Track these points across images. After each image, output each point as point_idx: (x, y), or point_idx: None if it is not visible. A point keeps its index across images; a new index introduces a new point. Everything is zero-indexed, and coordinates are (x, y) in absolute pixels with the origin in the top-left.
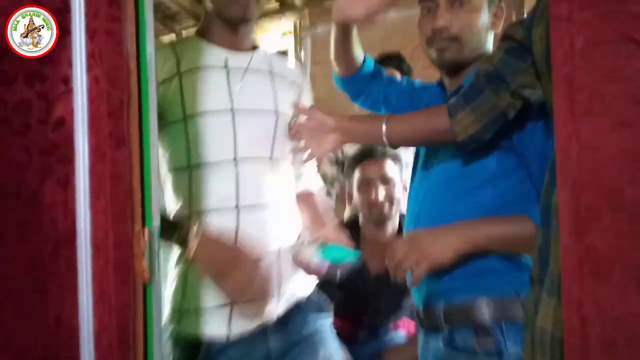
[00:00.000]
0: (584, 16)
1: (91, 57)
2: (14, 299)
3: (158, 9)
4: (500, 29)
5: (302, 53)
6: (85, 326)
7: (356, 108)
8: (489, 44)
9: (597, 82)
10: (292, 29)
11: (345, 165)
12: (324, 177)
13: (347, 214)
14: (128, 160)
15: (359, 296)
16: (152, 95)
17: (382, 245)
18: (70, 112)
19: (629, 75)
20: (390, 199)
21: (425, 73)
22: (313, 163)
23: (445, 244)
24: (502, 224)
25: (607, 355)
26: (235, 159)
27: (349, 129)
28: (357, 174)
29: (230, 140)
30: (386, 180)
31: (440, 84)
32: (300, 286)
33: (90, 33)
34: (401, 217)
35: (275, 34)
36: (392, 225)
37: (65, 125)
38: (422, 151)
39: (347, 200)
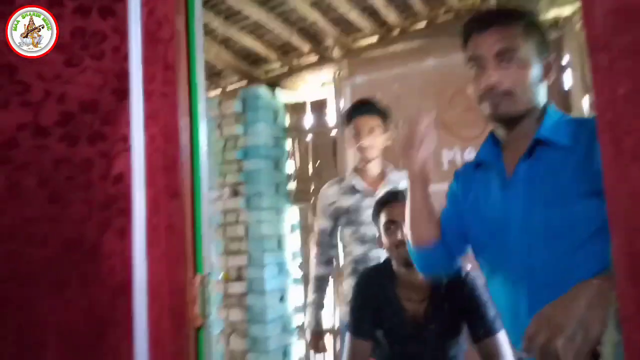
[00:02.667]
0: (624, 65)
1: (148, 117)
2: (73, 344)
3: (205, 67)
4: (552, 79)
5: (342, 101)
6: None
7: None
8: (542, 95)
9: None
10: (330, 79)
11: (342, 215)
12: (322, 231)
13: (346, 262)
14: (181, 211)
15: (398, 339)
16: (203, 150)
17: (415, 287)
18: (128, 168)
19: None
20: None
21: (464, 118)
22: None
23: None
24: None
25: None
26: None
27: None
28: (382, 217)
29: None
30: None
31: (492, 135)
32: None
33: (147, 95)
34: None
35: (314, 85)
36: None
37: (123, 180)
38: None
39: (377, 244)
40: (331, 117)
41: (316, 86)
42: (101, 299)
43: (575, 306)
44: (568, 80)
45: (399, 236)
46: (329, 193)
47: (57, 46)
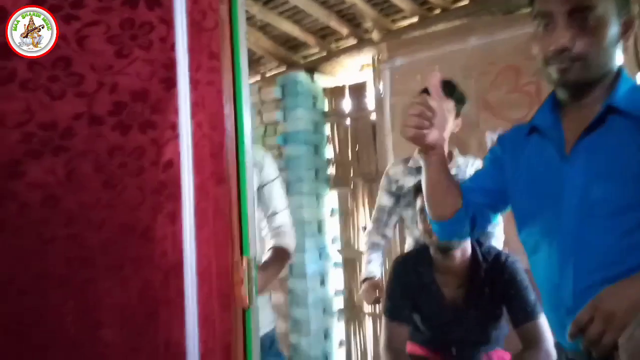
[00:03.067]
0: None
1: (195, 105)
2: (129, 323)
3: None
4: (631, 39)
5: (381, 85)
6: (192, 349)
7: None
8: (617, 58)
9: None
10: (370, 62)
11: (404, 196)
12: (381, 208)
13: (408, 244)
14: (228, 196)
15: (438, 324)
16: (248, 137)
17: (452, 273)
18: (177, 155)
19: None
20: None
21: (509, 98)
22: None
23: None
24: None
25: None
26: None
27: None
28: (418, 202)
29: None
30: None
31: (553, 98)
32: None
33: (194, 84)
34: (475, 241)
35: (353, 69)
36: (462, 252)
37: (173, 166)
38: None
39: (405, 232)
40: (370, 101)
41: (355, 70)
42: (154, 280)
43: (638, 296)
44: None
45: None
46: (394, 172)
47: (108, 38)
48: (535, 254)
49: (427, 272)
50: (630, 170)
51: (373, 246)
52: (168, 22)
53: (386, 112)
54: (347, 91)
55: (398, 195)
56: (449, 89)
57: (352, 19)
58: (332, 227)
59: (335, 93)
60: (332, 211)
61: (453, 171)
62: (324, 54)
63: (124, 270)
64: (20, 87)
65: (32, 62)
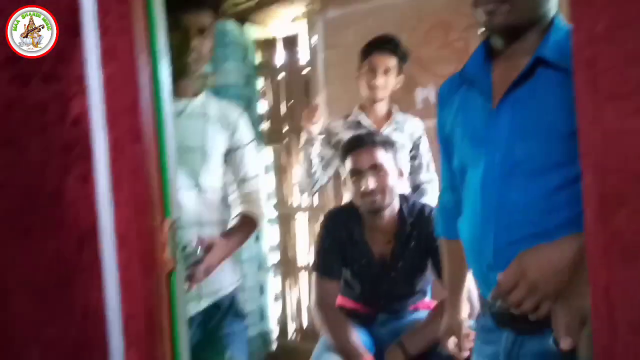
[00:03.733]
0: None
1: (104, 55)
2: (41, 292)
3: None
4: None
5: (315, 38)
6: (113, 315)
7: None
8: (552, 3)
9: (620, 64)
10: (302, 13)
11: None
12: (320, 159)
13: (346, 198)
14: (146, 154)
15: (368, 279)
16: (166, 90)
17: (381, 230)
18: (86, 110)
19: None
20: (383, 188)
21: (440, 54)
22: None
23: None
24: None
25: (636, 338)
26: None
27: None
28: (348, 163)
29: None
30: (378, 169)
31: (485, 44)
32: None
33: (102, 32)
34: (402, 198)
35: (285, 19)
36: (391, 210)
37: (81, 123)
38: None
39: (342, 187)
40: (304, 54)
41: (287, 21)
42: (66, 246)
43: (561, 263)
44: None
45: (366, 186)
46: (333, 125)
47: None
48: (462, 208)
49: (357, 229)
50: (556, 128)
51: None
52: None
53: (319, 65)
54: (279, 43)
55: (336, 150)
56: (393, 44)
57: None
58: (267, 183)
59: (267, 45)
60: (267, 168)
61: (391, 128)
62: (254, 3)
63: (31, 235)
64: None
65: None
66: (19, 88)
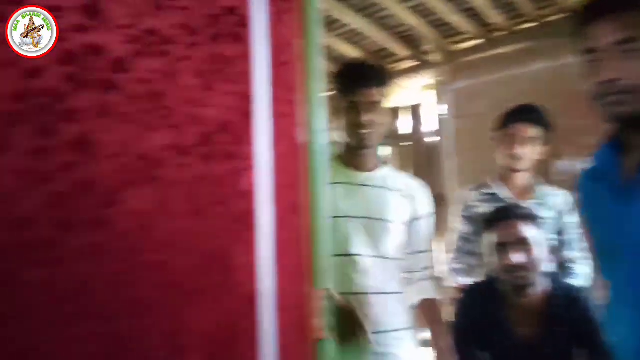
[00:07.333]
0: None
1: (273, 137)
2: (209, 350)
3: None
4: None
5: (442, 107)
6: None
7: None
8: None
9: None
10: (428, 83)
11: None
12: (461, 236)
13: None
14: (303, 226)
15: None
16: (322, 169)
17: (526, 312)
18: (253, 185)
19: None
20: (529, 263)
21: (578, 125)
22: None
23: None
24: None
25: None
26: (348, 254)
27: None
28: (491, 236)
29: (345, 239)
30: (524, 243)
31: (613, 139)
32: None
33: (271, 116)
34: (549, 276)
35: (411, 90)
36: (537, 289)
37: (249, 196)
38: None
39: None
40: (428, 123)
41: (414, 91)
42: (232, 308)
43: None
44: None
45: (512, 260)
46: (469, 197)
47: (195, 71)
48: (616, 304)
49: (499, 308)
50: None
51: (458, 272)
52: (248, 57)
53: (448, 134)
54: (405, 112)
55: (475, 222)
56: (536, 114)
57: (411, 41)
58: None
59: (393, 114)
60: None
61: (534, 201)
62: None
63: (206, 296)
64: (119, 119)
65: (131, 96)
66: (205, 165)
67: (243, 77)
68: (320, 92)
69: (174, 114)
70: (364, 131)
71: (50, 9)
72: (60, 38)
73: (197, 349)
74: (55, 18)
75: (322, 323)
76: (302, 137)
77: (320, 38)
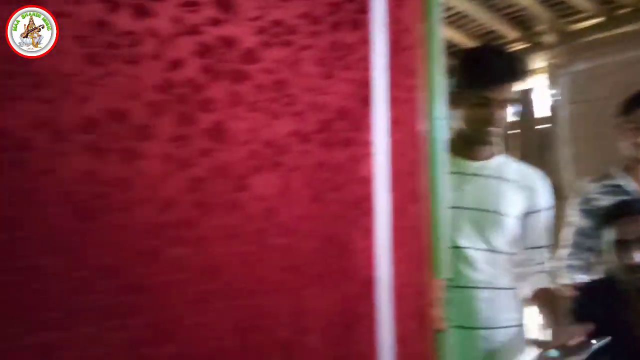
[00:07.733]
0: None
1: (392, 123)
2: (329, 332)
3: None
4: None
5: (557, 92)
6: None
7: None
8: None
9: None
10: (541, 66)
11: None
12: (579, 231)
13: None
14: (422, 215)
15: None
16: (441, 158)
17: None
18: (372, 171)
19: None
20: None
21: None
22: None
23: None
24: None
25: None
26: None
27: None
28: (611, 233)
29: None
30: None
31: None
32: None
33: (391, 102)
34: None
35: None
36: None
37: (368, 182)
38: None
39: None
40: (540, 109)
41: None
42: (350, 292)
43: None
44: None
45: (636, 259)
46: (589, 189)
47: (316, 59)
48: None
49: (620, 310)
50: None
51: (574, 268)
52: (367, 42)
53: (563, 121)
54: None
55: (596, 217)
56: None
57: (521, 22)
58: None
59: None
60: None
61: None
62: None
63: (326, 280)
64: (248, 108)
65: (258, 85)
66: (325, 151)
67: (363, 64)
68: (440, 78)
69: (296, 102)
70: (493, 128)
71: (187, 4)
72: (196, 31)
73: (318, 331)
74: (191, 12)
75: (443, 313)
76: (422, 124)
77: (441, 23)
